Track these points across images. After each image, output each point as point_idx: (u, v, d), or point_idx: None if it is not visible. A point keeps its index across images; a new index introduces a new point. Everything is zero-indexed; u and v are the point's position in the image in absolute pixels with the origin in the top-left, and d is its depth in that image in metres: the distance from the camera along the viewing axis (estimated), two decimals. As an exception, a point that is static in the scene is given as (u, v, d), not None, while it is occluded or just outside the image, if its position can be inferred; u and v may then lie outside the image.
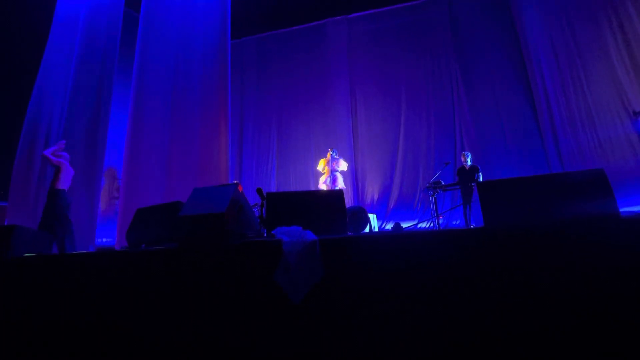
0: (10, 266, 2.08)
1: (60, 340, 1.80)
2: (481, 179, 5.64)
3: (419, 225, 6.87)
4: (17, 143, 5.23)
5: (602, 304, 1.27)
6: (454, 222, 6.89)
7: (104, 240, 6.44)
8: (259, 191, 2.63)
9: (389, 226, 7.29)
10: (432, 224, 6.32)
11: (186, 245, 1.82)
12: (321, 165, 6.85)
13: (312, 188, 7.85)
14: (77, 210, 4.68)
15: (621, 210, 1.57)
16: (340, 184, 6.71)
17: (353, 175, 7.99)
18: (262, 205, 2.50)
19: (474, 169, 5.81)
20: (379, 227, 7.09)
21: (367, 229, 4.49)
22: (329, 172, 6.70)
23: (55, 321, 1.84)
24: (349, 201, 7.57)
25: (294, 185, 8.48)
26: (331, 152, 6.81)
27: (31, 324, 1.88)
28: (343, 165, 6.76)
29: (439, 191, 5.62)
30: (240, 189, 2.12)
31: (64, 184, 4.28)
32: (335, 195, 2.17)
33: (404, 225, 6.73)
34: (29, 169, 5.02)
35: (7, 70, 6.45)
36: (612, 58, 6.07)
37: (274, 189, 8.52)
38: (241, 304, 1.59)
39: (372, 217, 5.58)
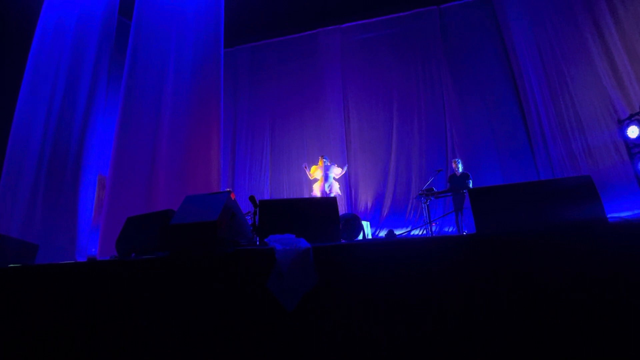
0: (-6, 277, 2.01)
1: (46, 352, 1.74)
2: (471, 186, 5.71)
3: (412, 232, 6.89)
4: (4, 150, 5.12)
5: (593, 308, 1.29)
6: (446, 229, 6.93)
7: (94, 250, 6.29)
8: (252, 199, 2.61)
9: (382, 233, 7.30)
10: (425, 231, 6.35)
11: (178, 253, 1.79)
12: (314, 171, 6.86)
13: (306, 195, 7.83)
14: (62, 218, 4.60)
15: (609, 215, 1.60)
16: (336, 189, 6.71)
17: (346, 183, 8.01)
18: (254, 213, 2.49)
19: (465, 176, 5.88)
20: (372, 235, 7.08)
21: (360, 236, 4.49)
22: (323, 179, 6.70)
23: (42, 333, 1.78)
24: (342, 208, 7.57)
25: (287, 193, 8.46)
26: (323, 160, 6.83)
27: (16, 336, 1.82)
28: (337, 170, 6.78)
29: (432, 198, 5.67)
30: (232, 196, 2.10)
31: None
32: (328, 203, 2.17)
33: (397, 232, 6.75)
34: (19, 178, 4.89)
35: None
36: (597, 67, 6.27)
37: (267, 197, 8.47)
38: (234, 312, 1.56)
39: (366, 224, 5.58)
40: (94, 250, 6.17)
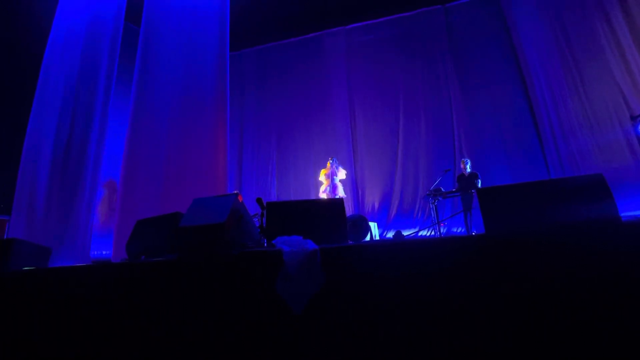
0: (9, 279, 2.06)
1: (59, 354, 1.78)
2: (480, 185, 5.65)
3: (420, 233, 6.83)
4: (19, 156, 5.24)
5: (607, 309, 1.26)
6: (455, 230, 6.85)
7: (104, 252, 6.40)
8: (259, 201, 2.62)
9: (390, 234, 7.25)
10: (433, 232, 6.29)
11: (186, 256, 1.81)
12: (322, 175, 6.87)
13: (313, 198, 7.84)
14: (68, 223, 4.70)
15: (623, 214, 1.56)
16: (341, 192, 6.71)
17: (353, 184, 7.99)
18: (262, 215, 2.50)
19: (473, 176, 5.82)
20: (380, 236, 7.05)
21: (368, 238, 4.46)
22: (329, 182, 6.71)
23: (54, 334, 1.82)
24: (349, 210, 7.55)
25: (294, 195, 8.47)
26: (331, 161, 6.83)
27: (30, 337, 1.86)
28: (342, 174, 6.78)
29: (440, 198, 5.61)
30: (240, 199, 2.12)
31: None
32: (335, 204, 2.16)
33: (405, 233, 6.70)
34: (34, 182, 5.01)
35: (7, 83, 6.53)
36: (609, 62, 6.14)
37: (274, 199, 8.50)
38: (242, 314, 1.57)
39: (373, 225, 5.55)
40: (105, 252, 6.29)
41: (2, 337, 1.90)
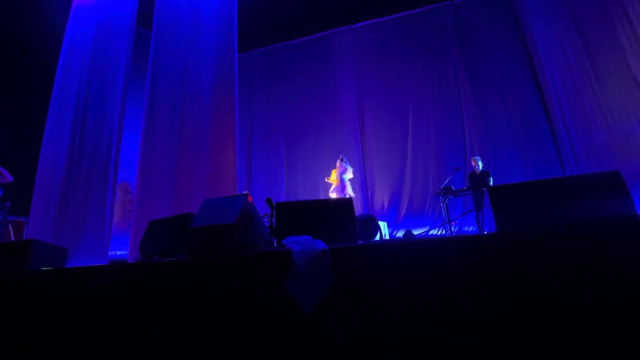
0: (29, 279, 2.13)
1: (75, 351, 1.82)
2: (492, 183, 5.56)
3: (431, 232, 6.77)
4: (37, 159, 5.40)
5: (623, 310, 1.22)
6: (466, 228, 6.76)
7: (118, 253, 6.54)
8: (269, 201, 2.64)
9: (400, 234, 7.20)
10: (444, 231, 6.23)
11: (197, 256, 1.84)
12: (334, 175, 6.88)
13: (322, 197, 7.84)
14: (85, 224, 4.83)
15: (640, 212, 1.52)
16: (350, 192, 6.70)
17: (362, 183, 7.96)
18: (272, 215, 2.51)
19: (485, 174, 5.73)
20: (389, 235, 7.01)
21: (377, 237, 4.44)
22: (339, 181, 6.71)
23: (70, 332, 1.87)
24: (358, 209, 7.53)
25: (303, 196, 8.49)
26: (340, 162, 6.82)
27: (49, 335, 1.91)
28: (350, 172, 6.77)
29: (450, 197, 5.55)
30: (250, 199, 2.13)
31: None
32: (344, 204, 2.17)
33: (416, 232, 6.64)
34: (51, 184, 5.16)
35: (25, 84, 6.73)
36: (625, 54, 5.94)
37: (283, 199, 8.53)
38: (252, 314, 1.58)
39: (383, 224, 5.52)
40: (119, 253, 6.42)
41: (10, 336, 1.96)
